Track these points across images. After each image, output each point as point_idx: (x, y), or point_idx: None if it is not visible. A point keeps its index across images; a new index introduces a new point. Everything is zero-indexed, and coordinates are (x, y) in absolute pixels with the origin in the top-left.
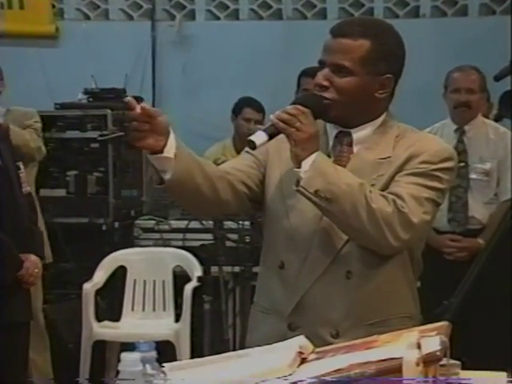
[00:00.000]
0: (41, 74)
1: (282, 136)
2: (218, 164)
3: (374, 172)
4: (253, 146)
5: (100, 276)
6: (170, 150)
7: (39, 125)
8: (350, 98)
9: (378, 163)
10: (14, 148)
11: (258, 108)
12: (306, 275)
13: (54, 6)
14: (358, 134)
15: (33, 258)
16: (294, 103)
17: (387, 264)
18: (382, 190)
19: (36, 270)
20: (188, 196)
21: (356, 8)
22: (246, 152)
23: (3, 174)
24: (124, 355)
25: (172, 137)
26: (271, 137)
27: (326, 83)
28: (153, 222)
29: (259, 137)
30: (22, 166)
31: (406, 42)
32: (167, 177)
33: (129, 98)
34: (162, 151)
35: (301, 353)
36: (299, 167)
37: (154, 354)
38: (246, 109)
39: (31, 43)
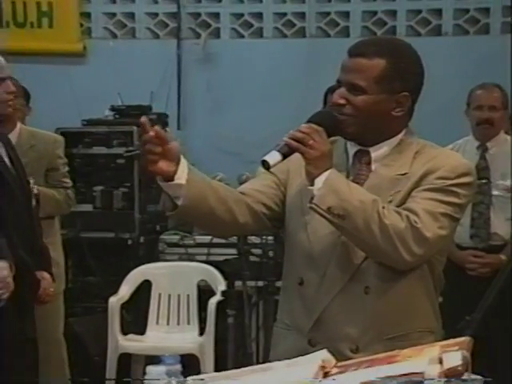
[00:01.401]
0: (69, 91)
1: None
2: None
3: (392, 188)
4: (267, 165)
5: (125, 290)
6: (181, 176)
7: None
8: (366, 116)
9: (396, 179)
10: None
11: None
12: (325, 292)
13: (82, 25)
14: (376, 152)
15: (46, 275)
16: (308, 121)
17: (405, 279)
18: (399, 206)
19: (51, 289)
20: (203, 220)
21: (378, 26)
22: (270, 171)
23: (18, 186)
24: (150, 368)
25: (183, 163)
26: (285, 156)
27: (342, 101)
28: (177, 236)
29: (273, 156)
30: (32, 180)
31: (428, 59)
32: (180, 203)
33: (143, 119)
34: (173, 178)
35: (323, 367)
36: (313, 184)
37: (179, 367)
38: None
39: (60, 61)
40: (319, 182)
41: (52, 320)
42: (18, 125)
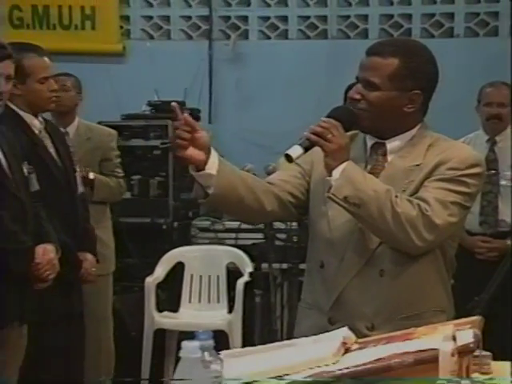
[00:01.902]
0: (109, 88)
1: None
2: None
3: (406, 178)
4: (290, 159)
5: (160, 271)
6: (212, 167)
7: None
8: (379, 111)
9: (410, 170)
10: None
11: None
12: (343, 275)
13: (121, 27)
14: (392, 144)
15: (89, 257)
16: (327, 116)
17: (418, 262)
18: (412, 195)
19: (93, 269)
20: (232, 207)
21: (395, 29)
22: (295, 162)
23: (63, 176)
24: (185, 343)
25: (214, 154)
26: (306, 149)
27: (357, 96)
28: (208, 222)
29: (295, 150)
30: (77, 169)
31: (441, 60)
32: (210, 191)
33: (174, 104)
34: (204, 168)
35: (344, 343)
36: (330, 175)
37: (211, 342)
38: None
39: (101, 60)
40: (336, 173)
41: (103, 298)
42: (77, 118)
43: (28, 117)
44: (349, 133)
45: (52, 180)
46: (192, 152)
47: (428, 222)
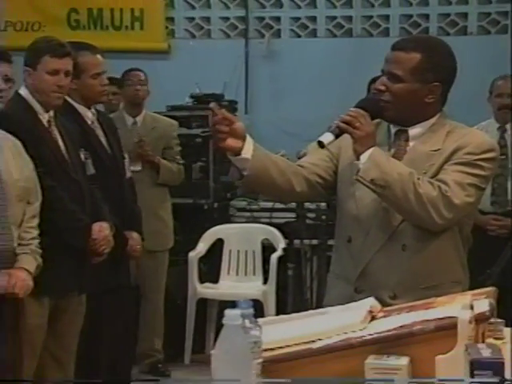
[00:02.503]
0: (156, 83)
1: None
2: None
3: (426, 162)
4: (322, 145)
5: (202, 246)
6: (247, 152)
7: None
8: (402, 101)
9: (430, 154)
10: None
11: None
12: (368, 248)
13: (167, 27)
14: (413, 131)
15: (135, 235)
16: (355, 107)
17: (438, 238)
18: (433, 177)
19: (138, 247)
20: (265, 188)
21: (414, 27)
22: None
23: (112, 162)
24: (227, 311)
25: (249, 141)
26: (337, 136)
27: (382, 88)
28: (245, 202)
29: (327, 137)
30: (126, 156)
31: (456, 55)
32: (246, 173)
33: (213, 105)
34: (240, 153)
35: (371, 311)
36: (358, 160)
37: (251, 310)
38: None
39: (148, 57)
40: (364, 157)
41: (161, 271)
42: (144, 109)
43: (82, 108)
44: (374, 121)
45: (102, 165)
46: (230, 141)
47: (448, 202)
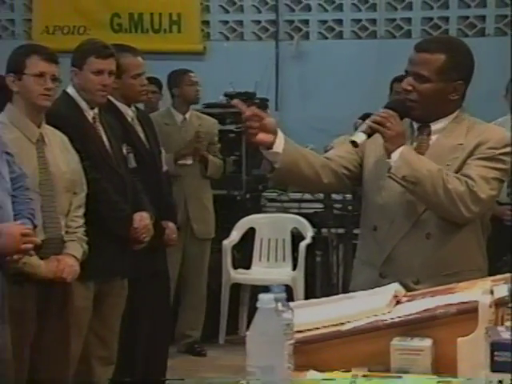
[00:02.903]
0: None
1: None
2: None
3: (450, 155)
4: (356, 144)
5: (235, 234)
6: (278, 146)
7: None
8: (429, 100)
9: (453, 148)
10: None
11: None
12: (393, 235)
13: (202, 30)
14: (436, 125)
15: (171, 225)
16: (385, 107)
17: (460, 228)
18: (457, 171)
19: (174, 235)
20: (295, 181)
21: (434, 29)
22: (345, 142)
23: (150, 156)
24: (261, 296)
25: (280, 135)
26: (369, 136)
27: (409, 88)
28: (276, 193)
29: (359, 136)
30: (163, 150)
31: (475, 55)
32: (277, 166)
33: (236, 101)
34: (271, 147)
35: (396, 296)
36: (389, 158)
37: (284, 295)
38: None
39: (185, 58)
40: (395, 155)
41: (205, 258)
42: (190, 109)
43: (122, 107)
44: None
45: (141, 160)
46: (262, 136)
47: (474, 197)
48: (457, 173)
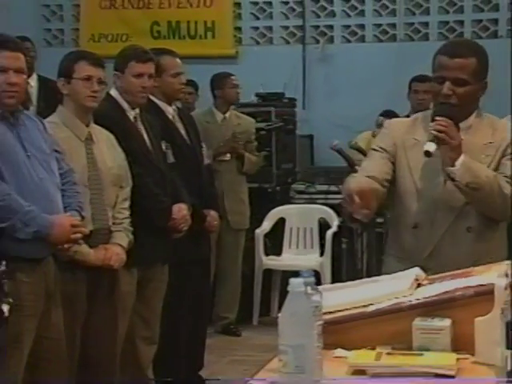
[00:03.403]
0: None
1: (404, 131)
2: None
3: (481, 153)
4: (429, 154)
5: (267, 224)
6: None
7: None
8: (467, 101)
9: (484, 146)
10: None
11: None
12: (435, 231)
13: (235, 36)
14: (463, 124)
15: (212, 213)
16: (437, 115)
17: (497, 222)
18: (488, 167)
19: (215, 223)
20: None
21: (450, 32)
22: (377, 149)
23: (191, 151)
24: (292, 280)
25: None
26: (438, 144)
27: (450, 92)
28: (304, 186)
29: (431, 146)
30: (204, 145)
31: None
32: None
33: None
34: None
35: (417, 279)
36: (453, 166)
37: (312, 279)
38: None
39: (219, 62)
40: (458, 164)
41: (240, 247)
42: (230, 108)
43: (163, 105)
44: (420, 114)
45: (182, 154)
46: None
47: None
48: None
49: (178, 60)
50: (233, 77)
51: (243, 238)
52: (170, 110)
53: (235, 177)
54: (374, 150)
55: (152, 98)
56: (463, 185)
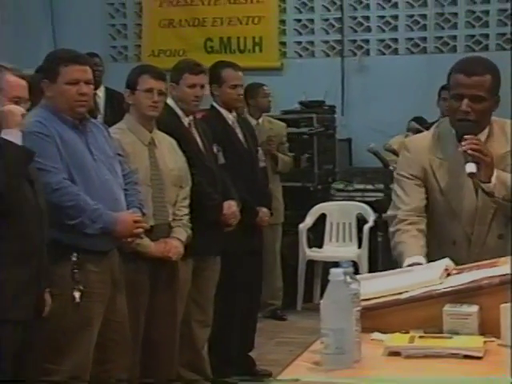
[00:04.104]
0: (272, 92)
1: (427, 151)
2: None
3: (502, 163)
4: (473, 175)
5: (309, 219)
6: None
7: None
8: (484, 117)
9: (502, 157)
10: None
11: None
12: (474, 244)
13: (280, 50)
14: (480, 136)
15: (264, 209)
16: (463, 134)
17: None
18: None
19: (266, 218)
20: None
21: (476, 44)
22: (408, 176)
23: (248, 154)
24: (332, 270)
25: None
26: (476, 163)
27: (468, 109)
28: (342, 185)
29: (472, 167)
30: (260, 149)
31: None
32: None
33: None
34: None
35: (446, 269)
36: (489, 182)
37: (351, 269)
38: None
39: (266, 74)
40: (493, 179)
41: (277, 240)
42: (262, 115)
43: (224, 112)
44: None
45: (239, 156)
46: None
47: None
48: None
49: (238, 73)
50: (265, 87)
51: (279, 232)
52: (230, 117)
53: (270, 176)
54: (406, 177)
55: (215, 105)
56: (500, 198)
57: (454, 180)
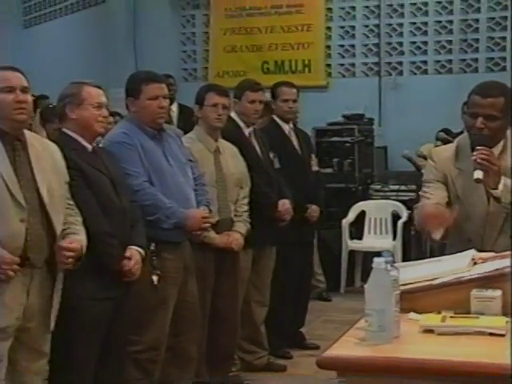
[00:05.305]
0: (319, 107)
1: (449, 162)
2: None
3: None
4: (479, 181)
5: (351, 215)
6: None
7: None
8: (498, 133)
9: None
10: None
11: None
12: (486, 242)
13: (326, 70)
14: (495, 149)
15: (314, 206)
16: (476, 145)
17: None
18: None
19: (315, 214)
20: None
21: (496, 66)
22: (432, 181)
23: (301, 159)
24: (375, 259)
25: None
26: (484, 171)
27: (482, 126)
28: (379, 186)
29: (479, 174)
30: (313, 155)
31: None
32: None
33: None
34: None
35: (473, 259)
36: (496, 188)
37: (391, 258)
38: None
39: (314, 91)
40: (501, 186)
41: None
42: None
43: (282, 123)
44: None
45: (293, 161)
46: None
47: None
48: None
49: (290, 89)
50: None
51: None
52: (286, 127)
53: None
54: (431, 182)
55: (274, 117)
56: (507, 204)
57: (469, 188)
